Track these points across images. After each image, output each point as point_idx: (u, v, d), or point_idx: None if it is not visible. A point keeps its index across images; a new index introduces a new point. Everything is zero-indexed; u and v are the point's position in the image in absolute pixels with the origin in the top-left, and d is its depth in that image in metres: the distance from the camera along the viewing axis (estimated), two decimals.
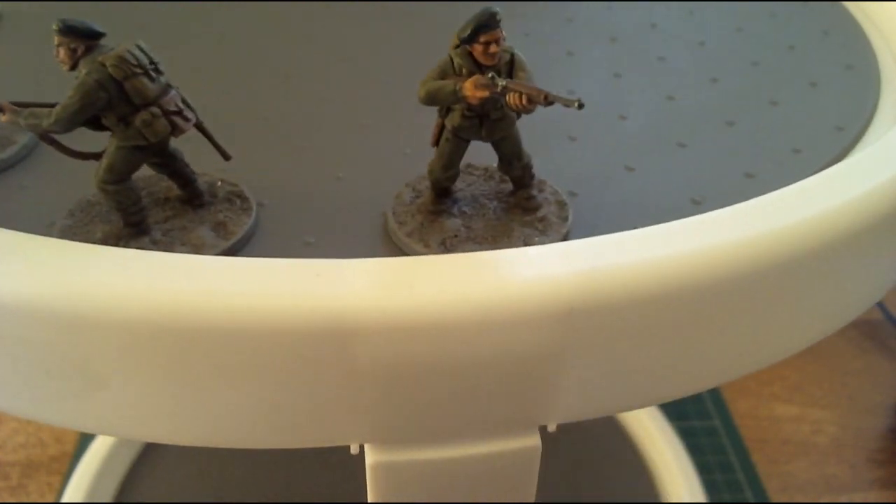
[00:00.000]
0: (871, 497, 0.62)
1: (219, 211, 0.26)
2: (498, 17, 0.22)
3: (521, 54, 0.24)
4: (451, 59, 0.23)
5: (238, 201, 0.26)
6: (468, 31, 0.23)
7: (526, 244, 0.24)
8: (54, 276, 0.21)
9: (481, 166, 0.28)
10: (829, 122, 0.32)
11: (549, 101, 0.22)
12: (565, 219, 0.25)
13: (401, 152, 0.30)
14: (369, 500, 0.26)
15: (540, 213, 0.25)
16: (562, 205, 0.26)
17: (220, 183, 0.27)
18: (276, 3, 0.42)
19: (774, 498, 0.62)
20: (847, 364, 0.73)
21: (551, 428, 0.25)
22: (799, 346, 0.27)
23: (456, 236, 0.24)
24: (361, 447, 0.25)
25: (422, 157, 0.29)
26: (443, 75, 0.23)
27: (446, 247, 0.24)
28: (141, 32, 0.38)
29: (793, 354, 0.26)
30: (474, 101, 0.23)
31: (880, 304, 0.76)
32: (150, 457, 0.60)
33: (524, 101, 0.22)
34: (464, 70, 0.23)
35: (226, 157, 0.26)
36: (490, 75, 0.22)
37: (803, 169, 0.29)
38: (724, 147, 0.30)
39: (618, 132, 0.31)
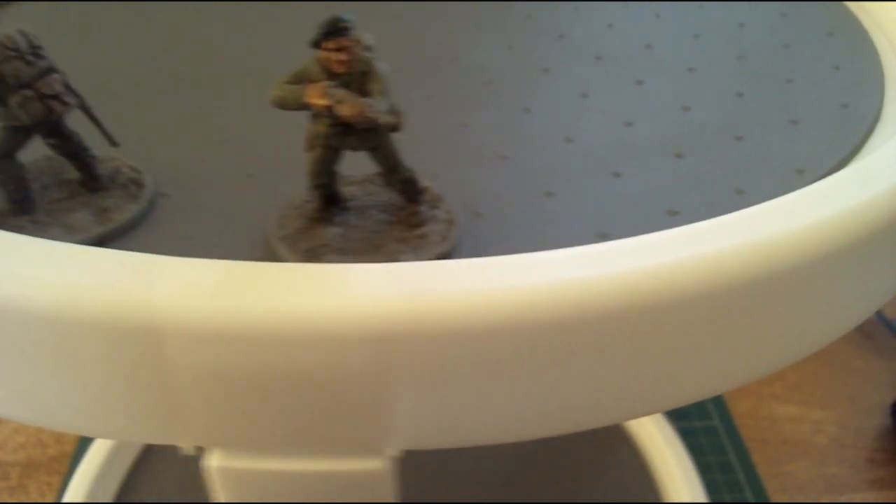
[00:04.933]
0: (871, 497, 0.62)
1: (110, 197, 0.26)
2: (344, 25, 0.22)
3: (381, 66, 0.23)
4: (309, 65, 0.23)
5: (133, 188, 0.26)
6: (314, 37, 0.22)
7: (391, 260, 0.23)
8: None
9: None
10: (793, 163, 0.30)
11: (368, 117, 0.21)
12: (445, 238, 0.24)
13: None
14: (217, 501, 0.26)
15: (421, 231, 0.24)
16: (450, 224, 0.25)
17: (126, 169, 0.27)
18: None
19: (774, 498, 0.62)
20: (847, 364, 0.73)
21: (392, 453, 0.24)
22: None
23: (326, 246, 0.24)
24: (201, 449, 0.24)
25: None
26: (297, 79, 0.23)
27: (311, 256, 0.23)
28: (100, 20, 0.39)
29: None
30: (318, 109, 0.22)
31: None
32: (150, 457, 0.60)
33: (350, 114, 0.22)
34: (320, 77, 0.22)
35: (112, 143, 0.26)
36: (328, 84, 0.22)
37: (739, 205, 0.26)
38: (660, 179, 0.28)
39: (556, 155, 0.30)
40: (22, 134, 0.24)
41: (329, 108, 0.22)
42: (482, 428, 0.23)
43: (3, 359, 0.21)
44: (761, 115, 0.33)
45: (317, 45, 0.22)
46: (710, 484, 0.62)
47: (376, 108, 0.22)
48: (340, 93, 0.22)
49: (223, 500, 0.26)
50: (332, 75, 0.22)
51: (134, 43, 0.38)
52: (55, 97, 0.24)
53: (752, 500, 0.61)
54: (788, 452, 0.65)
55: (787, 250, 0.23)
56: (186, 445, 0.24)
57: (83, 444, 0.63)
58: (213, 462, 0.25)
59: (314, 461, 0.24)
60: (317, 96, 0.22)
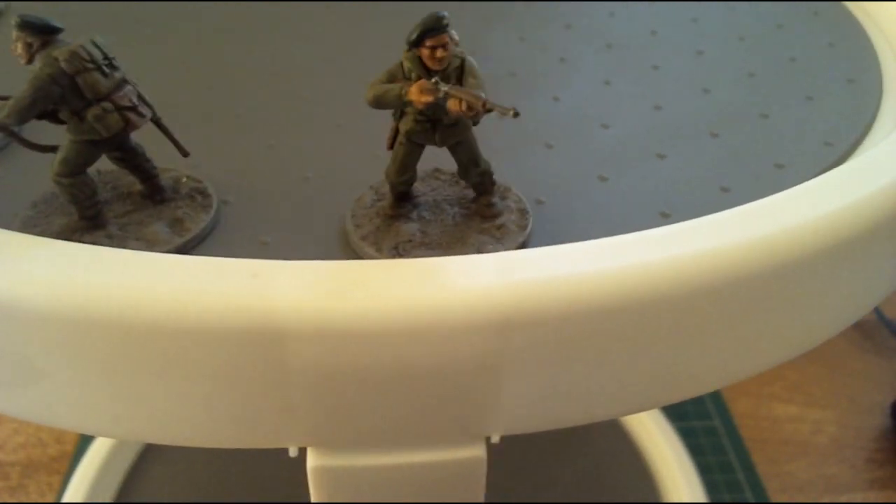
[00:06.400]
0: (871, 497, 0.62)
1: (178, 207, 0.26)
2: (445, 22, 0.22)
3: (472, 60, 0.23)
4: (402, 63, 0.23)
5: (199, 198, 0.26)
6: (414, 35, 0.22)
7: (479, 252, 0.23)
8: None
9: (448, 171, 0.27)
10: (820, 137, 0.31)
11: (487, 108, 0.21)
12: (524, 227, 0.25)
13: (372, 154, 0.29)
14: (312, 501, 0.26)
15: (499, 221, 0.25)
16: (523, 213, 0.25)
17: (185, 179, 0.27)
18: (261, 3, 0.42)
19: (774, 498, 0.61)
20: (847, 364, 0.73)
21: (494, 439, 0.24)
22: (762, 367, 0.26)
23: (410, 241, 0.24)
24: (303, 450, 0.25)
25: None
26: (392, 79, 0.23)
27: (398, 252, 0.23)
28: (128, 28, 0.39)
29: (758, 373, 0.26)
30: (420, 106, 0.22)
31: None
32: (150, 457, 0.60)
33: (464, 108, 0.22)
34: (413, 74, 0.23)
35: (184, 153, 0.26)
36: (434, 80, 0.22)
37: (782, 184, 0.28)
38: (704, 159, 0.30)
39: (597, 141, 0.31)
40: (95, 148, 0.24)
41: (427, 105, 0.22)
42: (582, 407, 0.24)
43: (114, 372, 0.21)
44: (779, 93, 0.35)
45: (418, 43, 0.22)
46: (710, 484, 0.62)
47: (487, 99, 0.22)
48: (451, 87, 0.22)
49: (320, 501, 0.26)
50: (427, 72, 0.23)
51: (157, 52, 0.38)
52: (132, 109, 0.24)
53: (752, 500, 0.61)
54: (788, 452, 0.65)
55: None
56: (293, 446, 0.24)
57: (83, 444, 0.63)
58: (312, 462, 0.25)
59: (413, 453, 0.25)
60: (422, 93, 0.22)
